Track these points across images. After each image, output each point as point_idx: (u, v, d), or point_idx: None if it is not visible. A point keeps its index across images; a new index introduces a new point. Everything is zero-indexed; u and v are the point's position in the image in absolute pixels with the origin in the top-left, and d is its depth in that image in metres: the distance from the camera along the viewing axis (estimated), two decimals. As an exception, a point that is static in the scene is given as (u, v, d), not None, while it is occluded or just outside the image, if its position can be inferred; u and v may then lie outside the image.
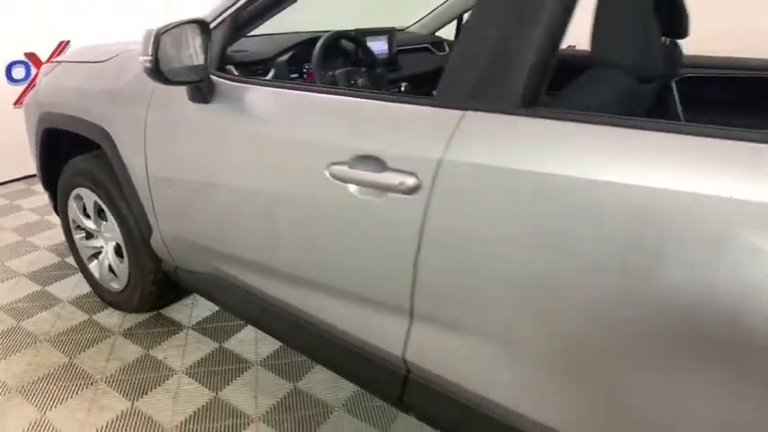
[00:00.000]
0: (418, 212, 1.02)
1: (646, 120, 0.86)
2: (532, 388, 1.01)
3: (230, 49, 1.61)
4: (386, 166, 1.06)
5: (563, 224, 0.88)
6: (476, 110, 0.98)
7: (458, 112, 1.00)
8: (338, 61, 1.85)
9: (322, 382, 1.77)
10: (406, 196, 1.03)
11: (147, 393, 1.71)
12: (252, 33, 1.61)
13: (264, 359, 1.88)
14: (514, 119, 0.95)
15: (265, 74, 1.73)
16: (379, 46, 2.01)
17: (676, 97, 2.00)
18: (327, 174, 1.14)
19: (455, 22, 2.49)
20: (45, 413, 1.62)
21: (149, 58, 1.18)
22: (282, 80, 1.69)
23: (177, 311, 2.14)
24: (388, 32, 2.08)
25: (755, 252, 0.71)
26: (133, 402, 1.67)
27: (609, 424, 0.92)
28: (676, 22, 1.68)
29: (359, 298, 1.21)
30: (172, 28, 1.21)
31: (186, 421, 1.61)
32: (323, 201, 1.18)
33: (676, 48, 1.80)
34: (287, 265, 1.35)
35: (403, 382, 1.22)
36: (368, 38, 1.96)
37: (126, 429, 1.57)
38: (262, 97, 1.34)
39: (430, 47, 2.42)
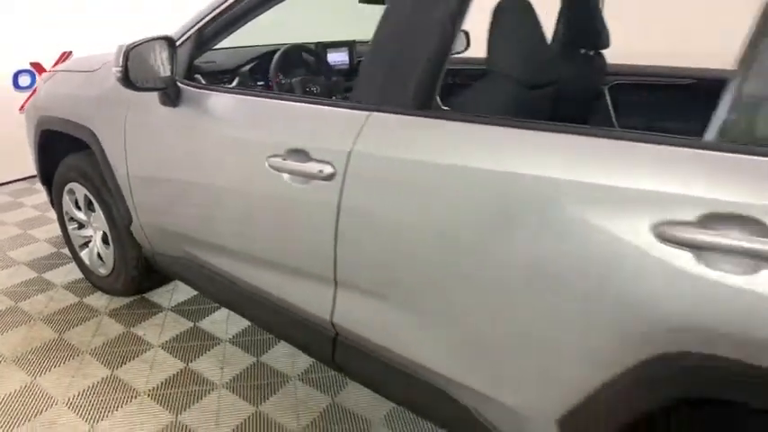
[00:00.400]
0: (335, 195, 1.24)
1: (510, 118, 1.08)
2: (432, 343, 1.21)
3: (200, 60, 1.85)
4: (310, 157, 1.28)
5: (442, 201, 1.09)
6: (378, 111, 1.20)
7: (365, 113, 1.22)
8: (300, 70, 2.08)
9: (282, 356, 1.99)
10: (325, 182, 1.25)
11: (125, 363, 1.93)
12: (230, 46, 1.85)
13: (233, 336, 2.10)
14: (407, 118, 1.17)
15: (231, 82, 1.96)
16: (339, 57, 2.24)
17: (609, 102, 2.21)
18: (267, 165, 1.36)
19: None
20: (35, 378, 1.84)
21: (120, 68, 1.41)
22: (238, 87, 1.91)
23: (159, 296, 2.37)
24: (349, 45, 2.31)
25: (580, 222, 0.91)
26: (113, 371, 1.89)
27: (492, 370, 1.12)
28: (595, 37, 1.90)
29: (296, 271, 1.43)
30: (141, 44, 1.45)
31: (158, 386, 1.82)
32: (264, 188, 1.40)
33: (600, 58, 2.02)
34: (239, 245, 1.57)
35: (333, 344, 1.43)
36: (329, 50, 2.18)
37: (105, 392, 1.79)
38: (220, 102, 1.56)
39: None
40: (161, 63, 1.51)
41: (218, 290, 1.77)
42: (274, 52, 1.99)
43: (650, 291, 0.86)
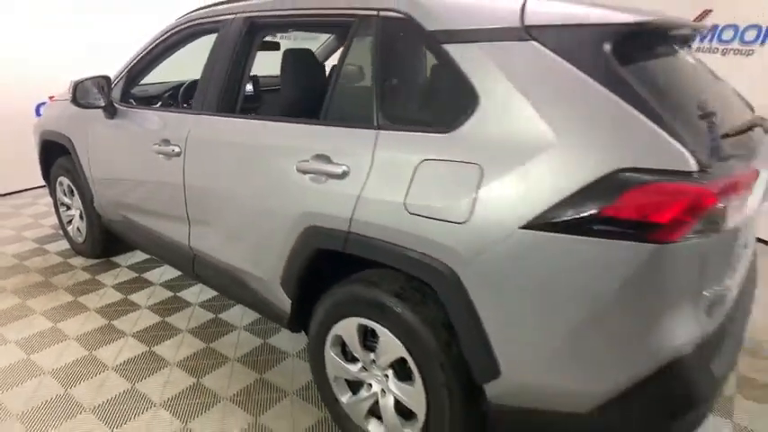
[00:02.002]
0: (181, 166, 2.13)
1: (255, 115, 1.95)
2: (229, 248, 2.05)
3: (138, 90, 2.80)
4: (170, 143, 2.17)
5: (225, 160, 1.95)
6: (202, 114, 2.09)
7: (195, 116, 2.11)
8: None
9: (194, 291, 2.85)
10: (177, 157, 2.14)
11: (86, 294, 2.84)
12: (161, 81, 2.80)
13: (164, 282, 2.98)
14: (213, 117, 2.05)
15: (157, 103, 2.91)
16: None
17: None
18: (151, 150, 2.26)
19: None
20: (25, 301, 2.76)
21: (70, 94, 2.36)
22: (151, 106, 2.81)
23: (120, 258, 3.28)
24: (254, 78, 3.24)
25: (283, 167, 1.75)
26: (76, 298, 2.80)
27: (253, 256, 1.95)
28: None
29: (169, 216, 2.31)
30: (85, 80, 2.40)
31: (105, 305, 2.72)
32: (150, 165, 2.29)
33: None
34: (142, 204, 2.47)
35: (192, 261, 2.29)
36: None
37: (69, 310, 2.68)
38: (137, 115, 2.48)
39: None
40: (100, 91, 2.45)
41: (137, 237, 2.67)
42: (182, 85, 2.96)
43: (297, 197, 1.70)
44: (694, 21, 3.99)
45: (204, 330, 2.51)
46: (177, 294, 2.85)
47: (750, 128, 1.53)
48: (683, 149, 1.12)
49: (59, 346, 2.38)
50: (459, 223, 1.32)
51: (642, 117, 1.16)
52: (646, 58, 1.37)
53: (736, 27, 3.75)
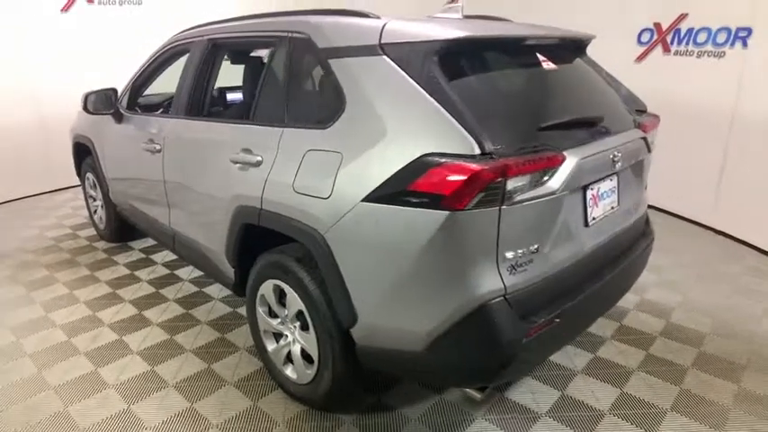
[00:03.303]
0: (161, 159, 2.61)
1: (216, 118, 2.40)
2: (193, 227, 2.50)
3: (143, 98, 3.34)
4: (154, 142, 2.66)
5: (189, 154, 2.41)
6: (176, 117, 2.56)
7: (171, 119, 2.58)
8: (207, 103, 3.50)
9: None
10: (158, 153, 2.62)
11: (100, 270, 3.40)
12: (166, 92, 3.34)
13: (165, 262, 3.50)
14: (182, 120, 2.51)
15: (158, 110, 3.44)
16: (236, 95, 3.64)
17: None
18: (141, 147, 2.76)
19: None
20: (53, 273, 3.36)
21: (82, 103, 2.91)
22: (150, 112, 3.32)
23: (136, 243, 3.85)
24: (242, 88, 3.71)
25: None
26: (92, 272, 3.36)
27: (209, 233, 2.39)
28: None
29: (157, 202, 2.80)
30: (95, 91, 2.94)
31: (114, 278, 3.26)
32: (140, 159, 2.80)
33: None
34: (141, 192, 2.99)
35: (173, 239, 2.77)
36: (228, 91, 3.60)
37: (84, 281, 3.24)
38: (138, 119, 3.01)
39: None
40: (108, 99, 2.99)
41: (139, 222, 3.19)
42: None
43: (230, 182, 2.12)
44: (670, 26, 4.12)
45: (187, 300, 2.98)
46: (174, 272, 3.35)
47: (589, 123, 1.80)
48: (470, 138, 1.44)
49: (71, 307, 2.92)
50: (324, 198, 1.68)
51: (446, 114, 1.48)
52: (481, 65, 1.70)
53: (709, 30, 3.84)
